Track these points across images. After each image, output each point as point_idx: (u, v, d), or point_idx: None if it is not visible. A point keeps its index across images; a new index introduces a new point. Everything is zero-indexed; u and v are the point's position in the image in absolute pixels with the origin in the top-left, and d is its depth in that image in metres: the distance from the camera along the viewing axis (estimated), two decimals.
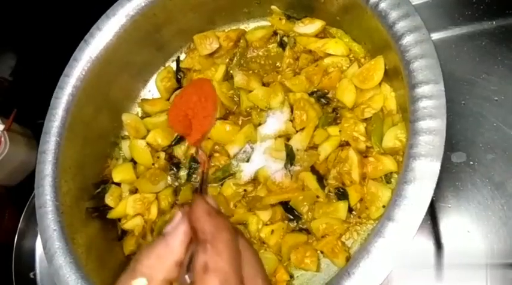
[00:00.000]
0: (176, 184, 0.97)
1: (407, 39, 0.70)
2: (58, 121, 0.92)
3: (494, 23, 0.95)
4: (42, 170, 0.89)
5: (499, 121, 0.88)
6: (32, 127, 1.30)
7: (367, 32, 0.85)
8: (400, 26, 0.72)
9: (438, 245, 0.84)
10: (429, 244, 0.84)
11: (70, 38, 0.99)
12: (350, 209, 0.82)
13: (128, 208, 0.94)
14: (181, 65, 1.07)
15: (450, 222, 0.85)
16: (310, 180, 0.84)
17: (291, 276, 0.83)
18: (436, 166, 0.61)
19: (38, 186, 0.89)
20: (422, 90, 0.66)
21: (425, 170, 0.62)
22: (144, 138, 1.00)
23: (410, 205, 0.61)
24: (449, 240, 0.84)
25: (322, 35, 0.95)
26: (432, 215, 0.85)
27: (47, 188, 0.87)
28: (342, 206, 0.81)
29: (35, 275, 1.18)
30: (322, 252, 0.82)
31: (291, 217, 0.86)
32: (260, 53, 1.01)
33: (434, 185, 0.61)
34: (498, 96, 0.90)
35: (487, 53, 0.93)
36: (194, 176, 0.96)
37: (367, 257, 0.62)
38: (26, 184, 1.24)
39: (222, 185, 0.92)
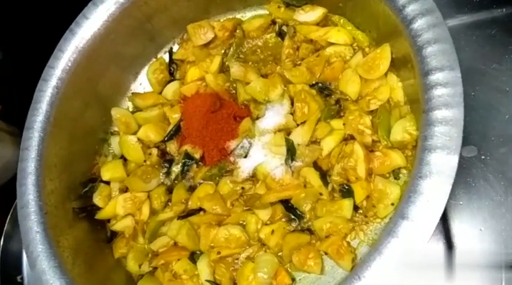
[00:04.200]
0: (169, 182, 0.92)
1: (418, 23, 0.66)
2: (42, 116, 0.88)
3: (504, 10, 0.91)
4: (24, 168, 0.84)
5: (511, 113, 0.83)
6: (19, 125, 1.25)
7: (373, 18, 0.80)
8: (411, 9, 0.67)
9: (449, 245, 0.79)
10: (439, 244, 0.80)
11: (55, 28, 0.94)
12: (356, 208, 0.78)
13: (117, 208, 0.90)
14: (174, 57, 1.02)
15: (462, 220, 0.81)
16: (313, 176, 0.80)
17: (293, 280, 0.79)
18: (453, 159, 0.57)
19: (20, 185, 0.84)
20: (436, 77, 0.62)
21: (442, 164, 0.57)
22: (135, 133, 0.96)
23: (426, 201, 0.57)
24: (461, 240, 0.80)
25: (323, 23, 0.91)
26: (442, 214, 0.80)
27: (29, 188, 0.82)
28: (347, 204, 0.77)
29: (22, 278, 1.13)
30: (326, 253, 0.78)
31: (293, 216, 0.81)
32: (258, 43, 0.97)
33: (452, 180, 0.56)
34: (510, 86, 0.86)
35: (497, 42, 0.89)
36: (188, 173, 0.91)
37: (379, 259, 0.57)
38: (13, 185, 1.20)
39: (218, 183, 0.87)
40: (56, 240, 0.79)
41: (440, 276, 0.78)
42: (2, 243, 1.13)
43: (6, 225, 1.14)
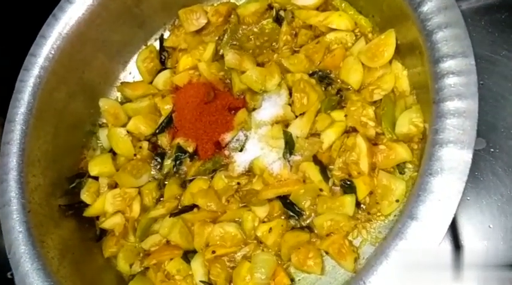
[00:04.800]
0: (161, 177, 0.88)
1: (428, 6, 0.61)
2: (24, 108, 0.84)
3: None
4: (6, 164, 0.80)
5: None
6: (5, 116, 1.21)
7: (377, 1, 0.76)
8: None
9: (456, 243, 0.76)
10: (446, 242, 0.76)
11: (37, 13, 0.89)
12: (358, 204, 0.75)
13: (106, 204, 0.86)
14: (165, 44, 0.98)
15: (469, 217, 0.77)
16: (313, 171, 0.77)
17: (292, 280, 0.76)
18: (467, 155, 0.54)
19: (1, 181, 0.80)
20: (448, 64, 0.58)
21: (455, 160, 0.54)
22: (124, 125, 0.92)
23: (437, 201, 0.53)
24: (469, 238, 0.76)
25: (323, 7, 0.87)
26: None
27: (11, 184, 0.79)
28: (349, 201, 0.74)
29: (12, 275, 1.12)
30: (327, 252, 0.74)
31: (291, 213, 0.78)
32: (254, 29, 0.93)
33: (465, 177, 0.53)
34: None
35: (507, 27, 0.84)
36: (181, 168, 0.87)
37: (386, 263, 0.54)
38: None
39: (212, 178, 0.84)
40: (41, 241, 0.76)
41: (448, 276, 0.74)
42: None
43: None
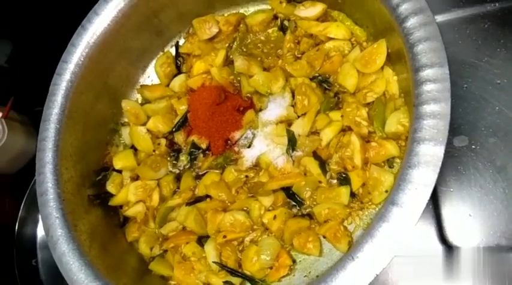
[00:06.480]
0: (177, 171, 0.96)
1: (411, 22, 0.69)
2: (57, 108, 0.92)
3: (497, 5, 0.93)
4: (42, 158, 0.89)
5: (501, 105, 0.87)
6: (30, 115, 1.29)
7: (370, 14, 0.83)
8: (404, 8, 0.70)
9: (440, 229, 0.84)
10: (431, 229, 0.84)
11: (67, 23, 0.97)
12: (352, 194, 0.81)
13: (129, 195, 0.94)
14: (181, 50, 1.05)
15: (452, 206, 0.85)
16: (312, 165, 0.83)
17: (294, 261, 0.83)
18: (440, 150, 0.61)
19: (39, 173, 0.88)
20: (426, 73, 0.65)
21: (429, 155, 0.61)
22: (144, 124, 0.99)
23: (414, 189, 0.61)
24: (451, 225, 0.84)
25: (323, 18, 0.93)
26: (434, 200, 0.85)
27: (48, 176, 0.87)
28: (344, 191, 0.81)
29: (36, 262, 1.18)
30: (324, 237, 0.81)
31: (293, 203, 0.85)
32: (260, 37, 0.99)
33: (438, 170, 0.60)
34: (501, 79, 0.89)
35: (489, 36, 0.92)
36: (195, 162, 0.95)
37: (371, 242, 0.62)
38: (26, 172, 1.24)
39: (223, 171, 0.91)
40: (74, 225, 0.84)
41: (431, 258, 0.82)
42: (17, 228, 1.18)
43: (20, 211, 1.19)
